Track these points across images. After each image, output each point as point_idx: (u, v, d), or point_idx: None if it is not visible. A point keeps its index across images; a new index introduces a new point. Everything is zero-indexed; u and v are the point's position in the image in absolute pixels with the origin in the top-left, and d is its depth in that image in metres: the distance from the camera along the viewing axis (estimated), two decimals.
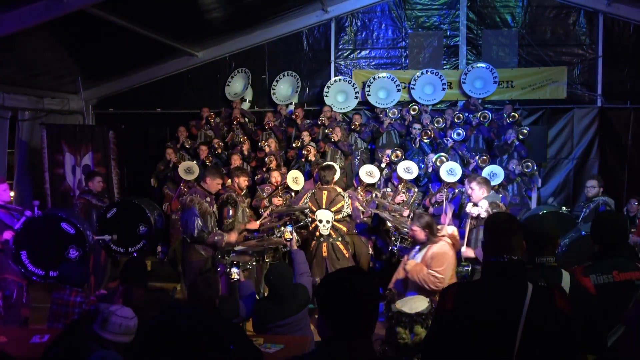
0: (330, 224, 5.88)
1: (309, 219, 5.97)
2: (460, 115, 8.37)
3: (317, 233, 5.94)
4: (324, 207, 5.89)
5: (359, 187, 7.04)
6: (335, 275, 1.86)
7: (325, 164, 6.77)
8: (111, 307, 3.13)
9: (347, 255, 6.03)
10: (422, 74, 9.11)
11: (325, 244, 5.91)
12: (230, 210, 6.24)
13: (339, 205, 5.91)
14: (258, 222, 6.35)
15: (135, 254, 6.58)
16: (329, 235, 5.92)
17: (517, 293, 2.06)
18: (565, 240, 5.12)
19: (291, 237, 5.10)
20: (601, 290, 2.60)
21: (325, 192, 5.94)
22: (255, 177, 8.13)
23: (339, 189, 6.17)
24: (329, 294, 1.79)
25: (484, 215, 5.09)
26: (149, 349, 2.93)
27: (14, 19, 5.94)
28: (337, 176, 6.99)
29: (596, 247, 2.89)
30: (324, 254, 5.91)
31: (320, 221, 5.89)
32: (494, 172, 6.94)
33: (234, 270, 4.67)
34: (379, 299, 1.87)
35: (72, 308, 4.30)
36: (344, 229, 6.10)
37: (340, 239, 5.99)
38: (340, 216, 5.94)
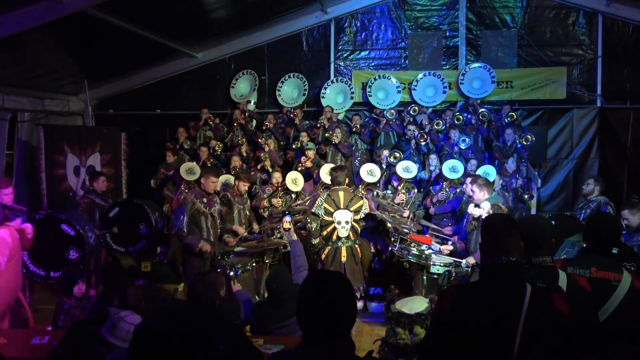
0: (349, 225, 5.64)
1: (317, 225, 5.67)
2: (460, 116, 8.33)
3: (334, 237, 5.65)
4: (342, 207, 5.66)
5: (360, 186, 7.04)
6: (310, 280, 1.85)
7: (337, 165, 6.77)
8: (121, 312, 3.11)
9: (360, 257, 5.83)
10: (423, 75, 9.11)
11: (344, 247, 5.63)
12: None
13: (357, 205, 5.71)
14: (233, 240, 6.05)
15: (134, 254, 6.61)
16: (348, 237, 5.66)
17: (515, 295, 2.05)
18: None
19: (289, 226, 5.04)
20: None
21: (342, 192, 5.72)
22: (252, 174, 8.11)
23: (353, 190, 6.04)
24: (300, 298, 1.79)
25: (485, 216, 5.07)
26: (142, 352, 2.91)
27: (14, 20, 5.94)
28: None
29: (585, 243, 2.91)
30: (344, 259, 5.61)
31: (339, 222, 5.63)
32: (487, 172, 6.94)
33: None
34: (351, 306, 1.81)
35: (59, 312, 4.38)
36: (359, 228, 5.88)
37: (357, 241, 5.77)
38: (358, 216, 5.73)
